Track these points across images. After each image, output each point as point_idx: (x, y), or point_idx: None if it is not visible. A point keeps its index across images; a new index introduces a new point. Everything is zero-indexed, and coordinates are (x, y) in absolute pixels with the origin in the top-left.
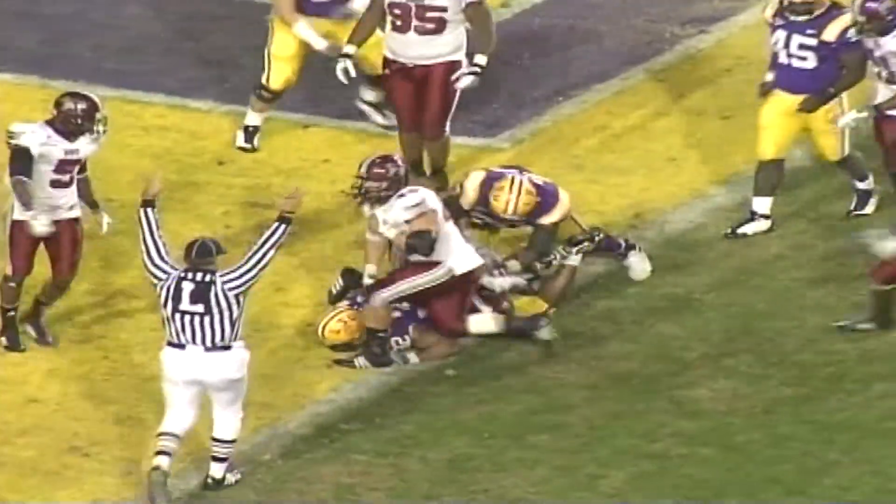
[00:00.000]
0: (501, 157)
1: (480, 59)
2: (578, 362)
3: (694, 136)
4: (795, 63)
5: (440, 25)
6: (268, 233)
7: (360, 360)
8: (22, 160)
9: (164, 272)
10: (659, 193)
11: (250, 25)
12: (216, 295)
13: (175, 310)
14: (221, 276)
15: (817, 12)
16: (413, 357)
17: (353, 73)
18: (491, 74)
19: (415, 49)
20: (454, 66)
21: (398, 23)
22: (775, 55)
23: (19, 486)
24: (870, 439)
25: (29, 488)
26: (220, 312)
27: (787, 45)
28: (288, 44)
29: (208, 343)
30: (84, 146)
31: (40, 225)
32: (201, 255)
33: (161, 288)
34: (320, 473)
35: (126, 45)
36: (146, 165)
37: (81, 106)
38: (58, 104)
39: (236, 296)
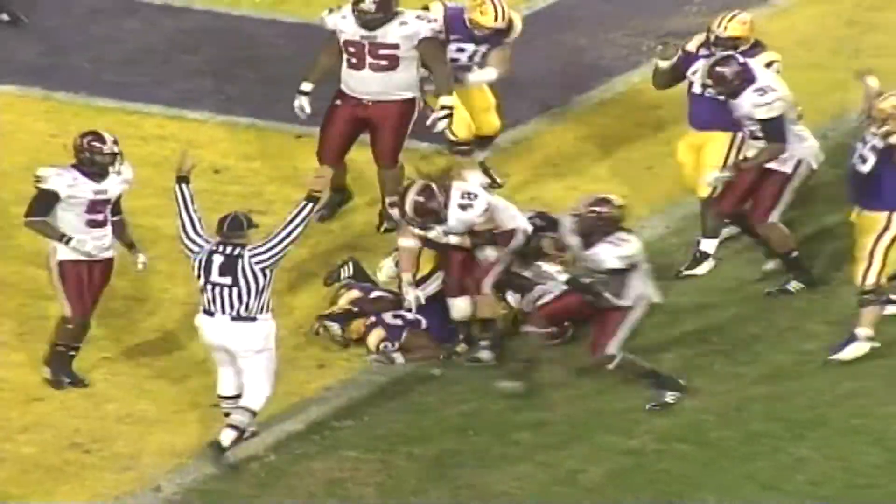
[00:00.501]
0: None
1: (446, 100)
2: (559, 362)
3: (670, 146)
4: (710, 91)
5: (393, 62)
6: (295, 210)
7: (485, 355)
8: (45, 202)
9: (199, 245)
10: (637, 201)
11: (244, 39)
12: (243, 268)
13: (206, 281)
14: (249, 250)
15: (742, 48)
16: (399, 358)
17: (307, 110)
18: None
19: (370, 85)
20: (409, 103)
21: (353, 60)
22: (690, 85)
23: (21, 481)
24: (839, 436)
25: (31, 484)
26: (247, 284)
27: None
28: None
29: (234, 314)
30: (113, 186)
31: (83, 247)
32: (232, 228)
33: (195, 260)
34: (311, 469)
35: (125, 58)
36: (146, 174)
37: (96, 144)
38: (76, 148)
39: (262, 269)
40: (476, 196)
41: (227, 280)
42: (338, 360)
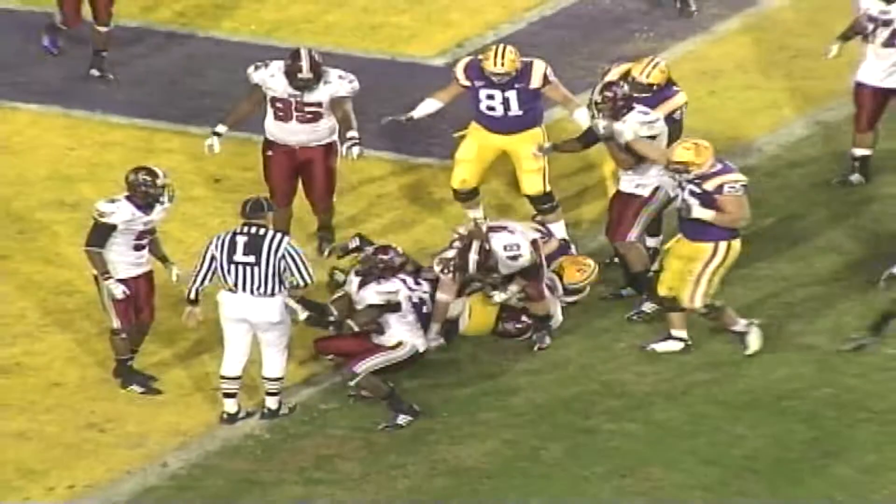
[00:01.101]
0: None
1: (353, 133)
2: (523, 351)
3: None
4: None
5: (317, 116)
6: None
7: (546, 340)
8: (103, 234)
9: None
10: (594, 207)
11: (242, 62)
12: (269, 247)
13: (230, 261)
14: (289, 240)
15: (655, 89)
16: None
17: (216, 149)
18: (450, 103)
19: (298, 135)
20: (331, 146)
21: (280, 114)
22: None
23: (44, 457)
24: (771, 416)
25: (53, 459)
26: (267, 263)
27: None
28: (468, 148)
29: (255, 291)
30: (157, 215)
31: (117, 290)
32: (254, 210)
33: (215, 247)
34: (302, 446)
35: (136, 80)
36: None
37: (148, 178)
38: (130, 183)
39: (283, 256)
40: (518, 245)
41: (251, 259)
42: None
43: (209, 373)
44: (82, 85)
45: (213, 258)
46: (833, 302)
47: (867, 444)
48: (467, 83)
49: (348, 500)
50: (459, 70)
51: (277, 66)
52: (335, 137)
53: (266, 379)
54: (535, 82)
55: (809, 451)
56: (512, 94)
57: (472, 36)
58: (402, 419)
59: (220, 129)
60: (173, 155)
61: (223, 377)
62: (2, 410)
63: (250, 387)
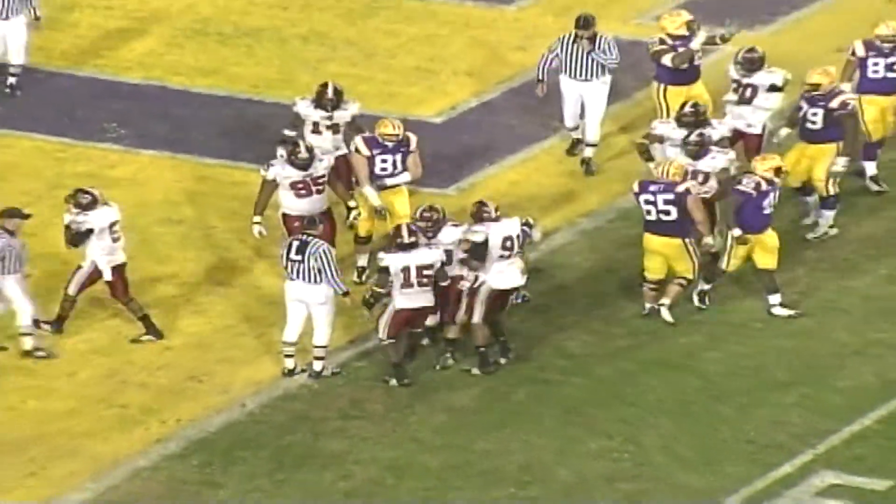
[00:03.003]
0: (450, 200)
1: (353, 203)
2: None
3: (567, 186)
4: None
5: (324, 186)
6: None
7: (448, 361)
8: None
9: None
10: (547, 222)
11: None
12: (309, 251)
13: (287, 258)
14: (326, 247)
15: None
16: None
17: (265, 233)
18: (442, 149)
19: (315, 205)
20: (329, 211)
21: (303, 192)
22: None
23: (158, 400)
24: (675, 371)
25: (165, 402)
26: (308, 261)
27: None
28: (368, 205)
29: (303, 280)
30: (96, 218)
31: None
32: (309, 224)
33: (283, 247)
34: (341, 392)
35: (222, 132)
36: (236, 206)
37: (85, 195)
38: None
39: (317, 258)
40: (467, 226)
41: (299, 258)
42: (356, 322)
43: (275, 341)
44: (184, 135)
45: (281, 255)
46: (718, 290)
47: (741, 390)
48: (368, 153)
49: (374, 429)
50: (361, 145)
51: (281, 161)
52: (328, 204)
53: (315, 346)
54: (412, 147)
55: (701, 396)
56: (398, 157)
57: (461, 101)
58: (392, 382)
59: (257, 219)
60: (250, 186)
61: (284, 342)
62: (128, 366)
63: (306, 351)
